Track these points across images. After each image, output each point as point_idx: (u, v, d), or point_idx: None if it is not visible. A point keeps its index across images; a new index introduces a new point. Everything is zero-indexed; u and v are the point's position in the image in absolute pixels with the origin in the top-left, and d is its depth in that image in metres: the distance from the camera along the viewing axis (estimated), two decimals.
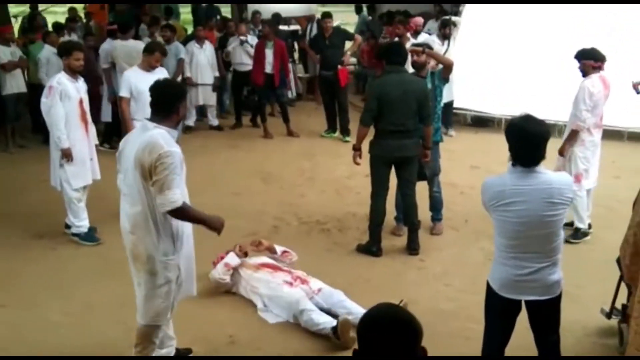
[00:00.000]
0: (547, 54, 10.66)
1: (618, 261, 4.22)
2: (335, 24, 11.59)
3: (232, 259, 5.78)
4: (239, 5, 16.87)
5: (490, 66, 11.31)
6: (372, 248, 6.56)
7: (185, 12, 19.13)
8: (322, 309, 5.23)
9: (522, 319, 3.95)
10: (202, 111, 12.26)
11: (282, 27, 14.43)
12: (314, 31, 12.58)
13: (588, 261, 6.25)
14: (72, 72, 6.68)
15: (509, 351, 4.01)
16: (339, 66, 10.81)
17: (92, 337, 5.04)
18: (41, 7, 16.43)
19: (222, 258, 5.80)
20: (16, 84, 10.36)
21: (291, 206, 8.02)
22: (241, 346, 4.96)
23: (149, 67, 7.38)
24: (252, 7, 15.05)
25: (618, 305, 4.80)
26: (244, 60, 11.79)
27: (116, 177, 4.35)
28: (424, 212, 6.95)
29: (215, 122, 12.09)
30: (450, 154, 9.17)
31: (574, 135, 6.66)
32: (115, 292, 5.46)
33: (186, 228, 4.35)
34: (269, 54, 11.04)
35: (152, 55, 7.42)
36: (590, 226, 6.91)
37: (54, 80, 6.63)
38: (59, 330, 5.20)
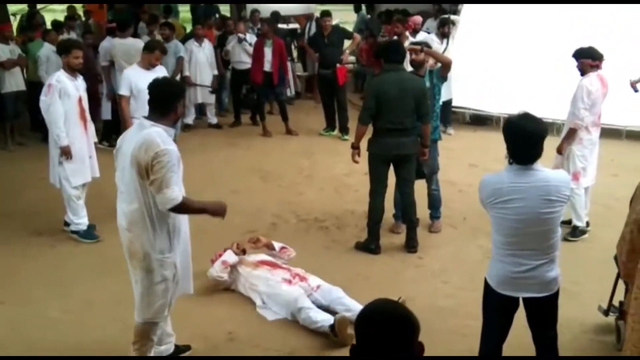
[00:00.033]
0: (545, 53, 10.67)
1: (616, 259, 4.23)
2: (334, 22, 11.60)
3: (230, 256, 5.79)
4: (238, 3, 16.87)
5: (488, 65, 11.32)
6: (370, 245, 6.57)
7: (184, 11, 19.14)
8: (320, 306, 5.25)
9: (520, 317, 3.97)
10: (201, 109, 12.28)
11: (281, 26, 14.44)
12: (313, 30, 12.59)
13: (586, 259, 6.27)
14: (71, 70, 6.69)
15: (506, 349, 4.03)
16: (338, 65, 10.83)
17: (91, 335, 5.06)
18: (39, 5, 16.41)
19: (220, 256, 5.82)
20: (15, 82, 10.37)
21: (290, 204, 8.04)
22: (240, 343, 4.98)
23: (149, 65, 7.39)
24: (250, 5, 15.06)
25: (615, 303, 4.83)
26: (242, 59, 11.80)
27: (115, 174, 4.36)
28: (422, 210, 6.97)
29: (214, 120, 12.10)
30: (448, 152, 9.19)
31: (572, 133, 6.68)
32: (114, 290, 5.47)
33: (183, 226, 4.36)
34: (268, 52, 11.05)
35: (153, 54, 7.43)
36: (588, 224, 6.93)
37: (53, 78, 6.64)
38: (58, 327, 5.21)
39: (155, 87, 4.23)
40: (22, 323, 5.27)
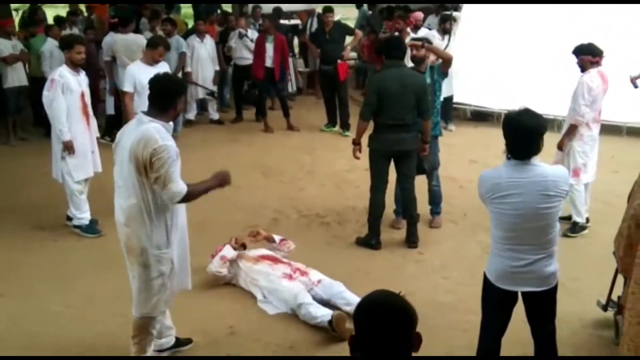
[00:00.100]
0: (546, 49, 10.69)
1: (615, 254, 4.26)
2: (335, 18, 11.61)
3: (228, 251, 5.81)
4: (241, 3, 16.86)
5: (490, 61, 11.35)
6: (371, 241, 6.60)
7: (186, 6, 19.12)
8: (321, 300, 5.28)
9: (519, 311, 4.00)
10: (202, 105, 12.29)
11: (282, 22, 14.44)
12: (315, 25, 12.60)
13: (585, 255, 6.30)
14: (74, 66, 6.72)
15: (505, 343, 4.05)
16: (339, 61, 10.84)
17: (92, 329, 5.08)
18: None
19: (219, 251, 5.84)
20: (17, 77, 10.40)
21: (291, 200, 8.07)
22: (241, 337, 5.00)
23: (152, 61, 7.41)
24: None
25: (614, 298, 4.85)
26: (244, 55, 11.83)
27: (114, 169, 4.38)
28: (423, 205, 6.99)
29: (215, 116, 12.11)
30: (449, 149, 9.22)
31: (572, 129, 6.70)
32: (115, 284, 5.50)
33: (180, 221, 4.38)
34: (270, 48, 11.06)
35: (156, 50, 7.46)
36: (588, 220, 6.95)
37: (56, 74, 6.67)
38: (59, 321, 5.23)
39: (156, 83, 4.24)
40: (23, 317, 5.30)
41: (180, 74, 10.68)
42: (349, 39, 11.54)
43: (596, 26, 9.97)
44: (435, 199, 7.21)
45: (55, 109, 6.60)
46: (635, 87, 8.41)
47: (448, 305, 5.46)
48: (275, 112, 12.13)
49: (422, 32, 10.00)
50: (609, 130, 9.83)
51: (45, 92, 6.66)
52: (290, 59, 12.83)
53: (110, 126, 10.44)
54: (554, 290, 3.87)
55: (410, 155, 6.50)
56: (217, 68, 11.82)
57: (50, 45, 10.19)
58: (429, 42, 6.97)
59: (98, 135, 7.27)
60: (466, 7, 12.14)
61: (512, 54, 11.20)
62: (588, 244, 6.64)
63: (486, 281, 3.94)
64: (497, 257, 3.84)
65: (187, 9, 19.23)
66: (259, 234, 6.17)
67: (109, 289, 5.59)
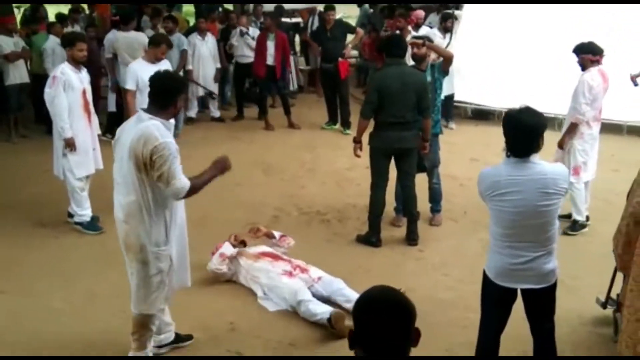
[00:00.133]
0: (547, 48, 10.70)
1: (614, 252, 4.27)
2: (337, 17, 11.62)
3: (227, 249, 5.83)
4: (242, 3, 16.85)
5: (491, 60, 11.36)
6: (371, 238, 6.61)
7: (188, 4, 19.11)
8: (321, 297, 5.30)
9: (518, 309, 4.01)
10: (203, 103, 12.30)
11: (284, 20, 14.45)
12: (316, 24, 12.61)
13: (585, 253, 6.32)
14: (76, 63, 6.74)
15: (504, 340, 4.07)
16: (340, 59, 10.85)
17: (93, 325, 5.09)
18: None
19: (218, 248, 5.86)
20: (19, 74, 10.42)
21: (292, 197, 8.08)
22: (241, 333, 5.02)
23: (154, 59, 7.43)
24: None
25: (613, 295, 4.86)
26: (245, 53, 11.84)
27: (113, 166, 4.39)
28: (423, 203, 7.01)
29: (216, 113, 12.12)
30: (450, 147, 9.23)
31: (573, 128, 6.72)
32: (116, 281, 5.50)
33: (179, 218, 4.39)
34: (271, 46, 11.07)
35: (158, 48, 7.48)
36: (588, 218, 6.97)
37: (58, 71, 6.69)
38: (60, 318, 5.24)
39: (157, 80, 4.25)
40: (24, 313, 5.31)
41: (181, 72, 10.69)
42: (350, 37, 11.55)
43: (597, 26, 9.98)
44: (435, 197, 7.22)
45: (57, 106, 6.62)
46: (635, 85, 8.43)
47: (448, 303, 5.48)
48: (276, 110, 12.15)
49: (424, 31, 10.00)
50: (610, 129, 9.85)
51: (47, 89, 6.68)
52: (291, 57, 12.83)
53: (111, 123, 10.43)
54: (553, 288, 3.88)
55: (411, 153, 6.51)
56: (219, 66, 11.83)
57: (52, 42, 10.22)
58: (430, 41, 6.98)
59: (99, 132, 7.28)
60: (467, 6, 12.15)
61: (513, 52, 11.21)
62: (588, 242, 6.66)
63: (485, 278, 3.96)
64: (497, 254, 3.85)
65: (188, 7, 19.23)
66: (259, 230, 6.19)
67: (109, 286, 5.60)
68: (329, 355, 4.73)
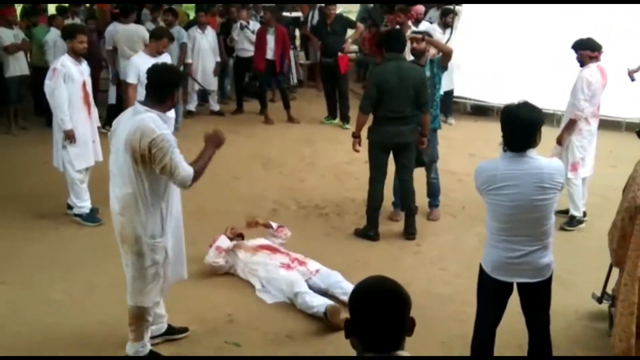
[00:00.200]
0: (546, 44, 10.71)
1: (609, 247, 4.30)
2: (337, 11, 11.63)
3: (223, 242, 5.85)
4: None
5: (490, 56, 11.38)
6: (369, 232, 6.64)
7: None
8: (319, 289, 5.34)
9: (514, 303, 4.04)
10: (203, 96, 12.31)
11: (284, 14, 14.45)
12: (316, 18, 12.62)
13: (582, 249, 6.35)
14: (76, 55, 6.75)
15: (500, 334, 4.10)
16: (340, 53, 10.86)
17: (92, 316, 5.12)
18: None
19: (215, 241, 5.88)
20: (19, 66, 10.42)
21: (291, 191, 8.11)
22: (239, 325, 5.05)
23: (155, 52, 7.44)
24: None
25: (609, 291, 4.89)
26: (245, 46, 11.84)
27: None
28: (421, 198, 7.03)
29: (216, 107, 12.12)
30: (449, 142, 9.26)
31: (572, 124, 6.74)
32: (115, 273, 5.50)
33: (174, 209, 4.41)
34: (271, 40, 11.07)
35: (160, 41, 7.49)
36: (585, 214, 6.99)
37: (58, 63, 6.71)
38: (60, 309, 5.27)
39: (154, 73, 4.26)
40: (24, 304, 5.34)
41: (182, 67, 10.71)
42: (350, 32, 11.56)
43: (597, 26, 9.99)
44: (433, 192, 7.25)
45: (57, 98, 6.63)
46: (632, 80, 8.46)
47: (445, 297, 5.51)
48: (276, 104, 12.16)
49: (423, 26, 10.04)
50: (608, 125, 9.88)
51: (47, 81, 6.69)
52: (291, 51, 12.83)
53: (111, 116, 10.40)
54: (548, 282, 3.90)
55: (409, 148, 6.54)
56: (218, 59, 11.82)
57: (53, 34, 10.22)
58: (430, 36, 7.01)
59: (99, 124, 7.30)
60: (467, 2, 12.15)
61: (512, 49, 11.22)
62: (585, 238, 6.69)
63: (482, 272, 3.99)
64: (493, 248, 3.88)
65: None
66: (257, 223, 6.21)
67: (108, 278, 5.62)
68: (325, 346, 4.76)
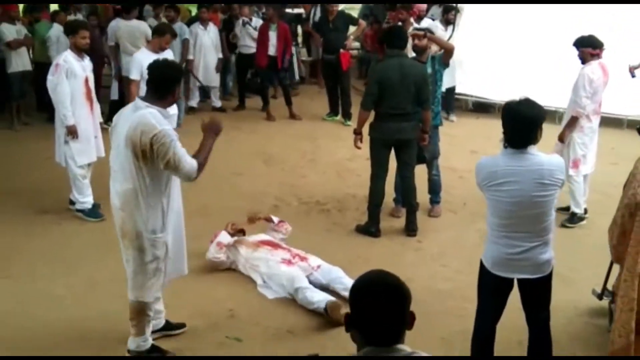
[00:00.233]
0: (548, 42, 10.71)
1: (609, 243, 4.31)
2: (339, 8, 11.63)
3: (224, 237, 5.87)
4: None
5: (492, 53, 11.38)
6: (370, 229, 6.65)
7: None
8: (320, 285, 5.36)
9: (514, 300, 4.05)
10: (205, 92, 12.32)
11: (286, 10, 14.44)
12: (318, 14, 12.62)
13: (583, 245, 6.36)
14: (79, 51, 6.77)
15: (500, 330, 4.11)
16: (342, 50, 10.86)
17: (95, 310, 5.15)
18: None
19: (216, 237, 5.90)
20: (21, 62, 10.44)
21: (292, 187, 8.12)
22: (240, 320, 5.07)
23: (158, 49, 7.44)
24: None
25: (609, 287, 4.90)
26: (247, 43, 11.84)
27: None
28: (422, 194, 7.05)
29: (218, 103, 12.13)
30: (451, 139, 9.27)
31: (573, 121, 6.74)
32: (116, 268, 5.50)
33: (175, 205, 4.41)
34: (273, 36, 11.08)
35: (163, 37, 7.50)
36: (586, 211, 7.00)
37: (61, 58, 6.73)
38: (62, 304, 5.29)
39: (156, 69, 4.25)
40: (27, 299, 5.36)
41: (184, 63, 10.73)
42: (352, 29, 11.56)
43: (597, 26, 10.00)
44: (434, 188, 7.26)
45: (60, 94, 6.65)
46: (633, 76, 8.46)
47: (445, 293, 5.53)
48: (278, 100, 12.17)
49: (425, 23, 10.00)
50: (610, 123, 9.89)
51: (49, 77, 6.71)
52: (293, 48, 12.84)
53: (113, 111, 10.37)
54: (548, 278, 3.92)
55: (411, 144, 6.55)
56: (220, 56, 11.82)
57: (56, 30, 10.24)
58: (431, 33, 7.01)
59: (101, 120, 7.33)
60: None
61: (514, 46, 11.22)
62: (586, 235, 6.70)
63: (482, 268, 4.00)
64: (493, 244, 3.89)
65: None
66: (259, 219, 6.24)
67: (110, 273, 5.64)
68: (326, 341, 4.77)
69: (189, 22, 11.89)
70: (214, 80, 11.90)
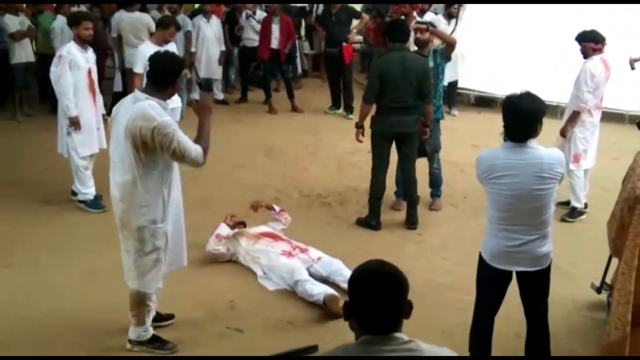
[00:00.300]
0: (550, 37, 10.71)
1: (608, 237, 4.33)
2: None
3: (223, 229, 5.90)
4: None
5: (494, 47, 11.38)
6: (371, 222, 6.68)
7: None
8: (320, 277, 5.38)
9: (512, 293, 4.07)
10: (201, 87, 12.30)
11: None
12: (321, 8, 12.61)
13: (583, 240, 6.38)
14: (82, 42, 6.79)
15: (498, 322, 4.13)
16: (344, 43, 10.87)
17: (96, 300, 5.18)
18: None
19: (216, 229, 5.92)
20: (25, 53, 10.47)
21: (293, 180, 8.15)
22: (241, 311, 5.10)
23: (162, 41, 7.44)
24: None
25: (608, 281, 4.92)
26: (251, 36, 11.85)
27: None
28: (423, 188, 7.07)
29: (220, 96, 12.15)
30: (452, 133, 9.29)
31: (575, 116, 6.75)
32: (118, 258, 5.48)
33: (174, 196, 4.42)
34: (276, 29, 11.10)
35: (167, 30, 7.51)
36: (586, 206, 7.02)
37: (64, 50, 6.75)
38: (64, 293, 5.32)
39: (157, 61, 4.24)
40: (29, 288, 5.39)
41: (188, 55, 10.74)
42: (355, 22, 11.56)
43: (597, 26, 9.99)
44: (435, 182, 7.28)
45: (63, 85, 6.67)
46: (632, 68, 8.47)
47: (446, 285, 5.55)
48: (280, 93, 12.18)
49: (428, 17, 10.02)
50: (612, 118, 9.90)
51: (52, 68, 6.73)
52: (296, 41, 12.84)
53: (116, 103, 10.46)
54: (547, 271, 3.94)
55: (412, 138, 6.56)
56: (223, 48, 11.82)
57: (60, 22, 10.24)
58: (434, 26, 7.01)
59: (104, 112, 7.34)
60: None
61: (516, 41, 11.22)
62: (586, 229, 6.71)
63: (481, 260, 4.02)
64: (492, 237, 3.91)
65: None
66: (261, 206, 6.27)
67: (111, 263, 5.62)
68: (325, 333, 4.80)
69: (192, 15, 11.90)
70: (217, 72, 11.89)
